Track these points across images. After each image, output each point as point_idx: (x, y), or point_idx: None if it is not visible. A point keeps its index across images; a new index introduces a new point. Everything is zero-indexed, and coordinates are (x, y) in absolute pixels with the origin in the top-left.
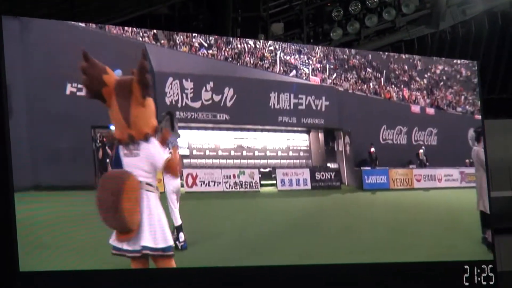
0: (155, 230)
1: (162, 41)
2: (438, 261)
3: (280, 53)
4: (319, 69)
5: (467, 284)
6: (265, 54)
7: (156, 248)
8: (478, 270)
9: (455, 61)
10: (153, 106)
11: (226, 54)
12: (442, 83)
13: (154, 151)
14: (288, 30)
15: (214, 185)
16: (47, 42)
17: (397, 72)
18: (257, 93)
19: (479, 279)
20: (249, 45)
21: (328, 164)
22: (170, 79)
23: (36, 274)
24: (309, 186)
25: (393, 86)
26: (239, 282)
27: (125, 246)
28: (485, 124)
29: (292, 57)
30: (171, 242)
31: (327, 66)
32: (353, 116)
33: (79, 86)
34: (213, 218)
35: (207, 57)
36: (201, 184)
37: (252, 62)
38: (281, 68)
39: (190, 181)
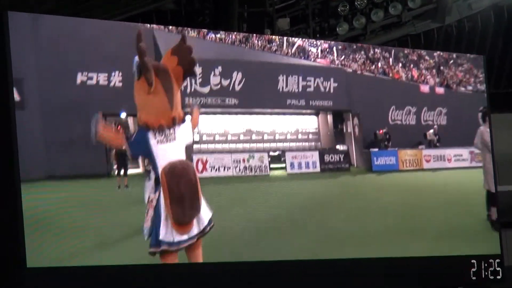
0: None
1: (170, 27)
2: (445, 256)
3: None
4: (327, 50)
5: (474, 278)
6: (273, 37)
7: (204, 228)
8: (486, 265)
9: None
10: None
11: (234, 37)
12: (452, 61)
13: (188, 130)
14: (294, 25)
15: (224, 170)
16: (55, 34)
17: (406, 51)
18: (266, 76)
19: (486, 273)
20: None
21: (337, 146)
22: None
23: (43, 269)
24: (318, 169)
25: (401, 66)
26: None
27: (184, 237)
28: (491, 118)
29: (300, 39)
30: (208, 218)
31: (335, 47)
32: (362, 97)
33: (90, 74)
34: (224, 203)
35: (215, 42)
36: (211, 170)
37: (260, 45)
38: (289, 50)
39: (200, 166)
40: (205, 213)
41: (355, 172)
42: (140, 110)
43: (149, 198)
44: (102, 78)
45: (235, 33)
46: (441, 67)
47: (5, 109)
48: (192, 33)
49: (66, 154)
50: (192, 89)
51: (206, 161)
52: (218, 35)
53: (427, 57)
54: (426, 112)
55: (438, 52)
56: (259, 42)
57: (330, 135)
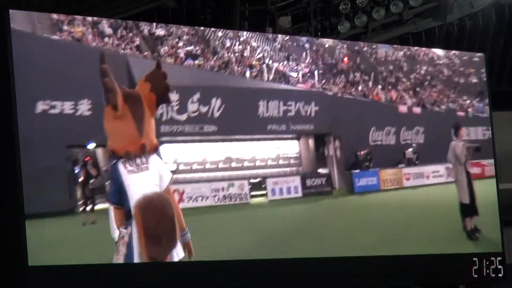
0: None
1: (146, 53)
2: (447, 254)
3: (268, 60)
4: (308, 74)
5: (476, 276)
6: (253, 63)
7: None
8: (487, 263)
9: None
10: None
11: (213, 63)
12: (426, 83)
13: (161, 164)
14: (295, 24)
15: (202, 200)
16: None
17: (384, 74)
18: (246, 102)
19: (488, 271)
20: (236, 54)
21: (319, 170)
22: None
23: (45, 268)
24: (300, 194)
25: (380, 88)
26: None
27: None
28: (492, 117)
29: (280, 64)
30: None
31: (316, 71)
32: (343, 120)
33: (52, 103)
34: (201, 234)
35: (193, 68)
36: (187, 200)
37: (240, 70)
38: (269, 76)
39: (176, 197)
40: (180, 248)
41: (337, 195)
42: (108, 137)
43: (120, 234)
44: (67, 107)
45: (214, 59)
46: (417, 89)
47: (6, 108)
48: (169, 60)
49: (26, 190)
50: (168, 117)
51: (183, 192)
52: (197, 61)
53: (404, 79)
54: (404, 132)
55: (414, 74)
56: (239, 68)
57: (311, 159)
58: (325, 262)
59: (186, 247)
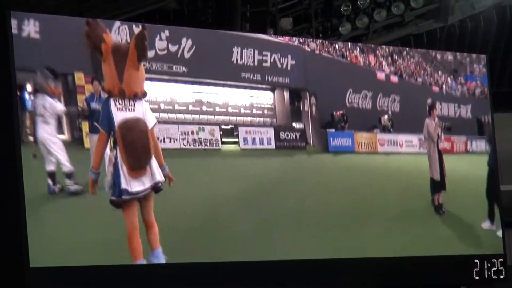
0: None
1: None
2: (448, 255)
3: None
4: None
5: (477, 278)
6: None
7: (157, 182)
8: (488, 264)
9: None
10: (144, 74)
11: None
12: (405, 52)
13: (148, 111)
14: (297, 25)
15: (170, 141)
16: None
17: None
18: (218, 46)
19: (489, 273)
20: None
21: (293, 124)
22: (117, 23)
23: (47, 269)
24: (273, 146)
25: (359, 50)
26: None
27: (140, 187)
28: (494, 118)
29: None
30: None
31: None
32: (320, 77)
33: None
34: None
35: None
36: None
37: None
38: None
39: None
40: (158, 171)
41: (311, 151)
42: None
43: (108, 157)
44: None
45: None
46: (395, 56)
47: (8, 109)
48: None
49: None
50: None
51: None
52: None
53: (383, 45)
54: (381, 98)
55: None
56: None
57: (286, 112)
58: (320, 263)
59: (166, 177)
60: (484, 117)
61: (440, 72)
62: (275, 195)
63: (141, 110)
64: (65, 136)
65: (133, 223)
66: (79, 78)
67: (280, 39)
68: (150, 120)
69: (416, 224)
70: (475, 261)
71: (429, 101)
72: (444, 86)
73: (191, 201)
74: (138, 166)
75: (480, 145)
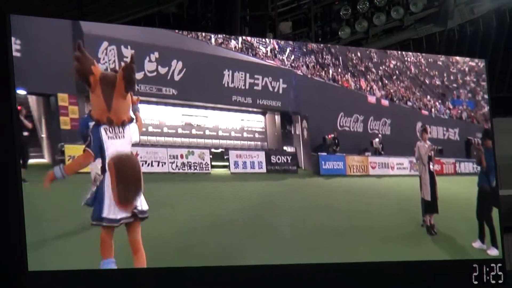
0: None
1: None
2: (446, 260)
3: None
4: (277, 50)
5: (476, 283)
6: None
7: (142, 209)
8: (487, 269)
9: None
10: (130, 100)
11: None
12: (394, 77)
13: (135, 131)
14: (296, 29)
15: (158, 165)
16: None
17: (354, 61)
18: (210, 69)
19: (488, 277)
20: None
21: (285, 148)
22: (105, 43)
23: (45, 273)
24: (264, 170)
25: (350, 75)
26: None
27: (122, 215)
28: (493, 123)
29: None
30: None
31: (286, 48)
32: (311, 101)
33: None
34: (158, 202)
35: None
36: (142, 164)
37: (204, 35)
38: (236, 45)
39: None
40: (143, 201)
41: (302, 175)
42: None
43: (94, 177)
44: None
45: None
46: (385, 81)
47: (7, 112)
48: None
49: None
50: None
51: (137, 154)
52: None
53: (373, 70)
54: (372, 121)
55: (383, 67)
56: (203, 33)
57: (277, 135)
58: (319, 268)
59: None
60: (473, 139)
61: (428, 97)
62: (266, 219)
63: (129, 134)
64: (46, 160)
65: (106, 243)
66: (63, 99)
67: (272, 63)
68: (133, 137)
69: (408, 244)
70: (474, 265)
71: (419, 124)
72: (433, 109)
73: (178, 225)
74: (126, 201)
75: (468, 166)
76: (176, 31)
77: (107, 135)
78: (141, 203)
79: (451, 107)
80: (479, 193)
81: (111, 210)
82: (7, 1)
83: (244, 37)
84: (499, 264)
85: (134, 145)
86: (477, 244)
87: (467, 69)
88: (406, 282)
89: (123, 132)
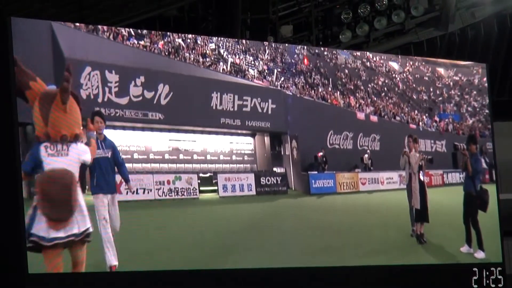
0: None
1: (78, 23)
2: (446, 264)
3: (224, 52)
4: (266, 71)
5: (475, 286)
6: (207, 52)
7: (84, 231)
8: (487, 273)
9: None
10: (78, 116)
11: (161, 47)
12: (383, 93)
13: (85, 151)
14: (297, 33)
15: (144, 192)
16: None
17: (343, 80)
18: (197, 92)
19: (488, 281)
20: (188, 41)
21: (274, 169)
22: (88, 68)
23: (45, 276)
24: (253, 192)
25: (339, 93)
26: None
27: (60, 234)
28: (494, 126)
29: (237, 57)
30: (89, 225)
31: (275, 70)
32: (301, 121)
33: None
34: (143, 230)
35: (138, 49)
36: (127, 192)
37: (192, 58)
38: (224, 67)
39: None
40: (87, 220)
41: (293, 195)
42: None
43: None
44: None
45: (162, 42)
46: (374, 98)
47: (7, 115)
48: (107, 33)
49: None
50: (106, 99)
51: (121, 183)
52: (142, 42)
53: (362, 87)
54: (362, 138)
55: (372, 84)
56: (191, 55)
57: (267, 157)
58: (323, 271)
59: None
60: (459, 145)
61: (416, 111)
62: (255, 241)
63: (75, 152)
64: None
65: (52, 263)
66: None
67: (260, 84)
68: (83, 157)
69: (400, 256)
70: (474, 269)
71: (409, 135)
72: (420, 123)
73: (166, 251)
74: (58, 219)
75: (455, 177)
76: (163, 54)
77: (47, 152)
78: (80, 224)
79: (437, 120)
80: (465, 198)
81: (42, 228)
82: (7, 4)
83: (232, 60)
84: (499, 268)
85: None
86: (464, 248)
87: (451, 83)
88: (406, 286)
89: (67, 150)
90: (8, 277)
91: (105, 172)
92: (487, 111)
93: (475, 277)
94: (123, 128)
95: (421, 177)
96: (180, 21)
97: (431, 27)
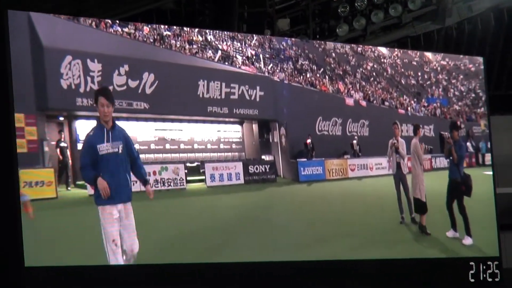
0: None
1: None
2: (443, 258)
3: (210, 38)
4: (254, 57)
5: (472, 280)
6: (194, 38)
7: None
8: (484, 267)
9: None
10: None
11: (146, 32)
12: (372, 78)
13: None
14: (294, 26)
15: None
16: None
17: (332, 65)
18: (183, 80)
19: (484, 275)
20: (175, 27)
21: (263, 157)
22: (68, 57)
23: (41, 269)
24: (242, 181)
25: (328, 79)
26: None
27: None
28: (491, 121)
29: (225, 43)
30: None
31: (261, 55)
32: (289, 107)
33: None
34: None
35: (121, 36)
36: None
37: (178, 46)
38: (212, 55)
39: None
40: None
41: (281, 183)
42: None
43: None
44: None
45: (148, 27)
46: (363, 83)
47: (4, 108)
48: (89, 21)
49: None
50: (88, 88)
51: None
52: (126, 29)
53: (351, 72)
54: (351, 124)
55: (361, 69)
56: (177, 43)
57: (255, 145)
58: (322, 265)
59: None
60: (445, 133)
61: (405, 96)
62: (245, 230)
63: None
64: None
65: None
66: (18, 119)
67: (248, 70)
68: None
69: (392, 243)
70: (471, 263)
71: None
72: (409, 108)
73: (152, 243)
74: None
75: (443, 161)
76: (148, 41)
77: None
78: None
79: (426, 105)
80: (449, 184)
81: None
82: None
83: (220, 47)
84: (496, 262)
85: None
86: (450, 233)
87: (439, 68)
88: (403, 280)
89: None
90: (4, 270)
91: (114, 173)
92: (473, 95)
93: (472, 271)
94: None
95: (424, 166)
96: (177, 14)
97: (428, 20)
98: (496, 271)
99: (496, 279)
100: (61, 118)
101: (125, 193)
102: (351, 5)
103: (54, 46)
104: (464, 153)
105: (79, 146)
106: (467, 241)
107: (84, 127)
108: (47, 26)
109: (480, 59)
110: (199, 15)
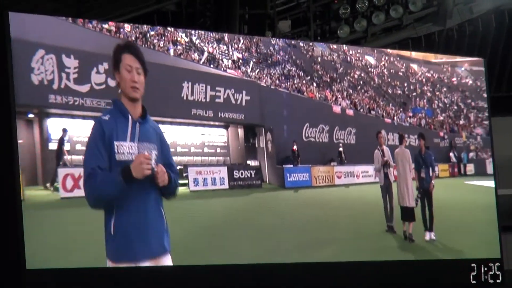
0: None
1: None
2: (444, 259)
3: (196, 40)
4: (240, 61)
5: (474, 282)
6: (179, 39)
7: None
8: (485, 268)
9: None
10: None
11: (128, 30)
12: (359, 87)
13: None
14: (295, 28)
15: None
16: None
17: (320, 73)
18: (167, 81)
19: (486, 277)
20: (158, 26)
21: (248, 162)
22: (41, 51)
23: (43, 271)
24: (226, 186)
25: (316, 86)
26: None
27: None
28: (492, 122)
29: (211, 45)
30: None
31: (249, 60)
32: (276, 113)
33: None
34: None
35: (101, 32)
36: None
37: (162, 45)
38: (197, 57)
39: (69, 183)
40: None
41: (267, 189)
42: None
43: None
44: None
45: (130, 26)
46: (351, 91)
47: (5, 110)
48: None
49: None
50: (63, 85)
51: (79, 177)
52: (106, 26)
53: (338, 80)
54: (338, 131)
55: (349, 77)
56: (161, 42)
57: (240, 149)
58: (320, 267)
59: None
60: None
61: (391, 105)
62: (228, 237)
63: None
64: None
65: None
66: None
67: (234, 74)
68: None
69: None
70: (472, 265)
71: (398, 131)
72: (395, 118)
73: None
74: None
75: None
76: (130, 39)
77: None
78: None
79: (411, 115)
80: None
81: None
82: None
83: (208, 50)
84: (497, 264)
85: (77, 165)
86: (427, 236)
87: (424, 79)
88: (403, 282)
89: None
90: (6, 273)
91: (139, 201)
92: (455, 107)
93: (473, 273)
94: (84, 118)
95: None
96: (178, 16)
97: (429, 22)
98: (498, 272)
99: (498, 281)
100: (31, 115)
101: (156, 239)
102: (352, 7)
103: (23, 39)
104: (433, 162)
105: (51, 145)
106: (427, 236)
107: (56, 126)
108: (19, 18)
109: (463, 73)
110: (200, 17)
